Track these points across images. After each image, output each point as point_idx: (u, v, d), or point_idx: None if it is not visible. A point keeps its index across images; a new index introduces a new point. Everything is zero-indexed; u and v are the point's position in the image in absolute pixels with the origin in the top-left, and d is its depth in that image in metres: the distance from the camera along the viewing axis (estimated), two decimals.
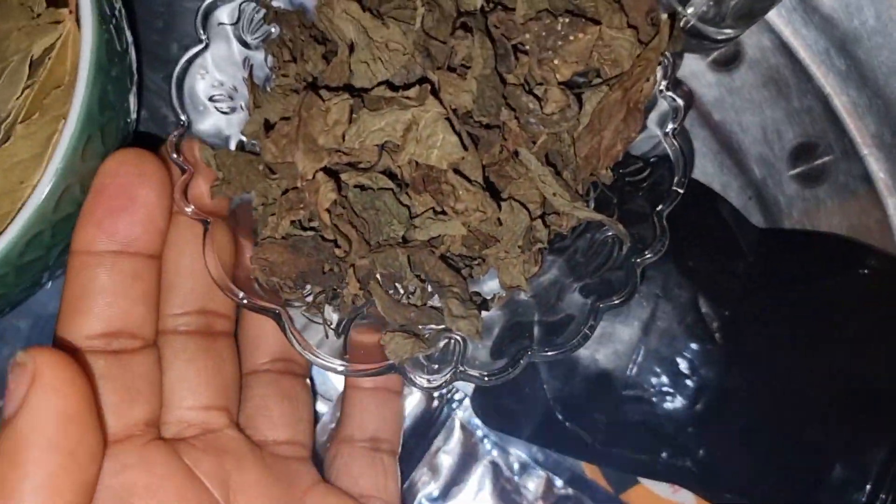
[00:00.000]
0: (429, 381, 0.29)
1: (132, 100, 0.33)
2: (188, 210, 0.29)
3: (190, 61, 0.31)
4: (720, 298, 0.38)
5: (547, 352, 0.29)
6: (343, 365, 0.29)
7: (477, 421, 0.39)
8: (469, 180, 0.28)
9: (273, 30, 0.33)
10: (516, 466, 0.40)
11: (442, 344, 0.30)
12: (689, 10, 0.39)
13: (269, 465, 0.31)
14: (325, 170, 0.28)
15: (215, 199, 0.30)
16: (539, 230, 0.31)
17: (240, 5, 0.31)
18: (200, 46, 0.31)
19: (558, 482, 0.40)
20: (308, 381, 0.35)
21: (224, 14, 0.31)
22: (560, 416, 0.38)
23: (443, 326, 0.30)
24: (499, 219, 0.29)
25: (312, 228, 0.30)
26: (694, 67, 0.42)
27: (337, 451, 0.35)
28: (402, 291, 0.30)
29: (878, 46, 0.42)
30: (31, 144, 0.29)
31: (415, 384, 0.29)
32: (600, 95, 0.29)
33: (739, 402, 0.38)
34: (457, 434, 0.40)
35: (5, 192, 0.29)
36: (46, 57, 0.30)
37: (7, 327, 0.38)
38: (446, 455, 0.40)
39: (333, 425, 0.38)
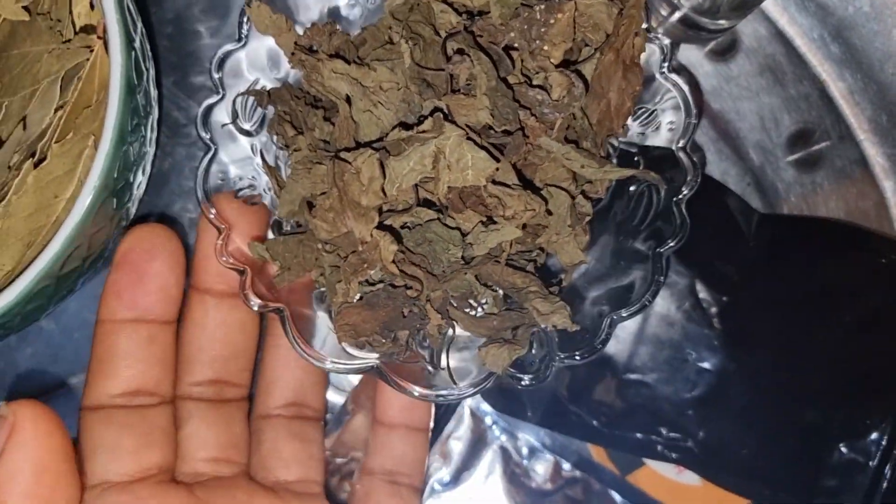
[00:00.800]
0: (532, 378, 0.30)
1: (155, 111, 0.34)
2: (226, 261, 0.31)
3: (206, 169, 0.31)
4: (718, 284, 0.39)
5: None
6: (369, 363, 0.30)
7: (486, 407, 0.40)
8: (509, 186, 0.29)
9: (268, 112, 0.33)
10: (525, 451, 0.41)
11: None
12: (686, 2, 0.40)
13: (281, 499, 0.33)
14: (382, 227, 0.29)
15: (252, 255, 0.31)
16: (582, 204, 0.32)
17: (233, 101, 0.32)
18: (210, 153, 0.31)
19: (566, 465, 0.40)
20: (322, 423, 0.37)
21: (222, 113, 0.32)
22: (565, 400, 0.39)
23: (527, 323, 0.30)
24: (548, 210, 0.30)
25: (380, 281, 0.30)
26: (691, 57, 0.43)
27: (360, 484, 0.36)
28: (475, 307, 0.31)
29: (873, 33, 0.42)
30: (64, 162, 0.31)
31: (522, 383, 0.30)
32: (596, 62, 0.30)
33: (739, 385, 0.39)
34: (466, 420, 0.41)
35: (41, 207, 0.30)
36: (76, 78, 0.32)
37: (31, 328, 0.40)
38: (457, 441, 0.41)
39: (348, 416, 0.39)
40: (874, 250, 0.40)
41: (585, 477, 0.40)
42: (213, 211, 0.31)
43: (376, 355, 0.30)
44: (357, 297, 0.30)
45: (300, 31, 0.32)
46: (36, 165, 0.30)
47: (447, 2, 0.30)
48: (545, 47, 0.30)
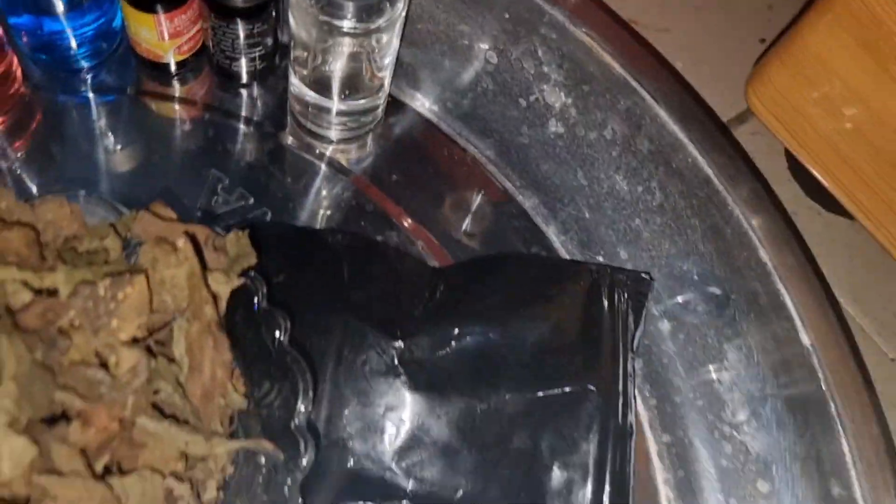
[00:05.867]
0: None
1: None
2: None
3: None
4: (394, 335, 0.38)
5: None
6: None
7: None
8: (61, 473, 0.27)
9: None
10: None
11: None
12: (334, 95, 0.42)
13: None
14: None
15: None
16: (176, 488, 0.29)
17: None
18: None
19: None
20: None
21: None
22: None
23: None
24: (116, 497, 0.27)
25: None
26: None
27: None
28: None
29: None
30: None
31: None
32: (183, 333, 0.29)
33: (437, 428, 0.38)
34: None
35: None
36: None
37: None
38: None
39: None
40: (539, 269, 0.43)
41: None
42: None
43: None
44: None
45: None
46: None
47: (16, 280, 0.29)
48: (114, 323, 0.28)
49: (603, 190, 0.46)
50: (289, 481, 0.31)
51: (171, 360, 0.30)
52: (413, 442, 0.37)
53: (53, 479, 0.26)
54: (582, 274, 0.42)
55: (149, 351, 0.29)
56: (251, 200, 0.42)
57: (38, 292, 0.29)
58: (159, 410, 0.30)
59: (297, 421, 0.31)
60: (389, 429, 0.37)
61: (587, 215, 0.46)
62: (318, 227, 0.43)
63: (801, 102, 0.49)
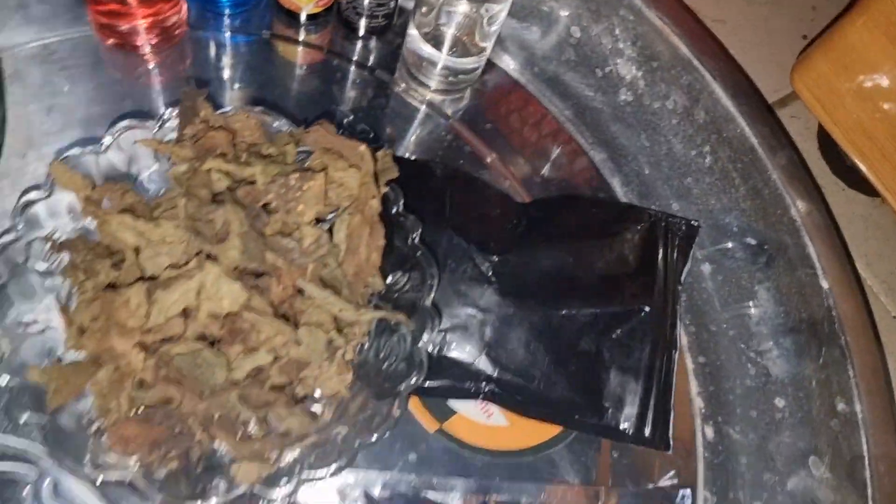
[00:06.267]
0: (281, 495, 0.35)
1: None
2: None
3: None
4: (489, 249, 0.47)
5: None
6: None
7: None
8: (261, 313, 0.35)
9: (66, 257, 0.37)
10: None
11: (284, 462, 0.36)
12: (443, 52, 0.50)
13: None
14: (140, 345, 0.34)
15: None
16: (337, 339, 0.37)
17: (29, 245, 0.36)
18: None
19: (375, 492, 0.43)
20: None
21: (19, 254, 0.36)
22: None
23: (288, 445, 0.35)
24: (296, 340, 0.35)
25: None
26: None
27: None
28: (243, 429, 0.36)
29: None
30: None
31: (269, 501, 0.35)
32: (346, 222, 0.38)
33: (518, 328, 0.46)
34: None
35: None
36: None
37: None
38: None
39: None
40: (607, 211, 0.51)
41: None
42: None
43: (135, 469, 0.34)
44: (131, 413, 0.34)
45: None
46: None
47: (222, 170, 0.37)
48: (300, 207, 0.37)
49: (662, 151, 0.55)
50: (416, 349, 0.39)
51: (334, 244, 0.39)
52: (499, 337, 0.46)
53: (257, 316, 0.35)
54: (642, 216, 0.50)
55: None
56: (371, 135, 0.51)
57: (237, 181, 0.38)
58: (322, 282, 0.38)
59: (426, 302, 0.39)
60: (481, 326, 0.46)
61: (647, 171, 0.54)
62: (425, 160, 0.51)
63: (839, 89, 0.57)
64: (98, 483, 0.34)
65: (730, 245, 0.52)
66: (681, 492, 0.46)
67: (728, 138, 0.54)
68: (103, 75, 0.49)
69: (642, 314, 0.47)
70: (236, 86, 0.51)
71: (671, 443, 0.45)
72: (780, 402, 0.48)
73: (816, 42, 0.61)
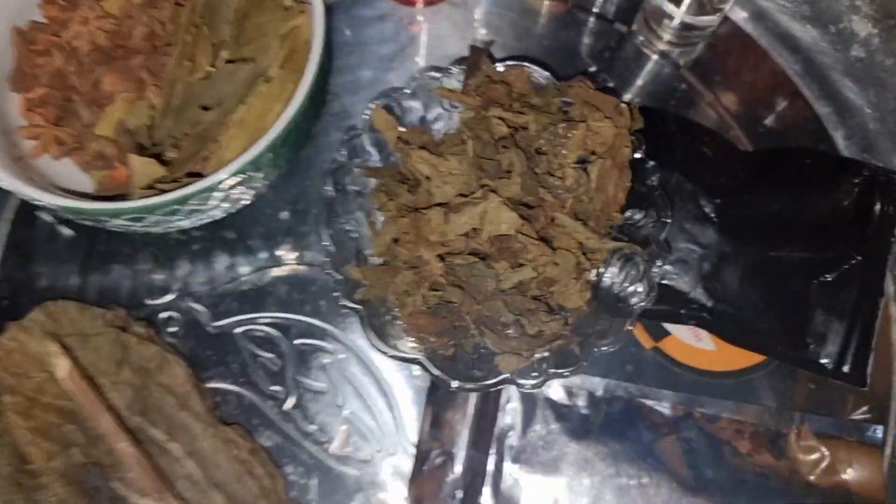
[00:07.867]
0: (531, 384, 0.44)
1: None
2: None
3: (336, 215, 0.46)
4: (713, 192, 0.52)
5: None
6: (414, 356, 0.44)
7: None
8: (530, 237, 0.43)
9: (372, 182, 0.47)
10: (563, 395, 0.51)
11: (536, 357, 0.44)
12: (682, 9, 0.55)
13: None
14: (438, 255, 0.43)
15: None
16: (584, 262, 0.45)
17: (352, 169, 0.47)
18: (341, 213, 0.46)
19: (598, 392, 0.50)
20: None
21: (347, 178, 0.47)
22: None
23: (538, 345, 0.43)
24: (554, 261, 0.43)
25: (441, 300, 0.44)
26: None
27: None
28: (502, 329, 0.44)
29: None
30: (279, 85, 0.46)
31: (521, 387, 0.44)
32: (598, 165, 0.45)
33: (734, 264, 0.52)
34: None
35: (262, 114, 0.46)
36: (290, 33, 0.47)
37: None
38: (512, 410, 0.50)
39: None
40: (827, 163, 0.54)
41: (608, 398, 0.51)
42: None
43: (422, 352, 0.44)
44: (425, 307, 0.44)
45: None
46: None
47: (501, 118, 0.45)
48: (564, 151, 0.44)
49: (889, 108, 0.57)
50: (648, 276, 0.46)
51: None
52: (716, 272, 0.52)
53: (527, 238, 0.43)
54: (862, 170, 0.53)
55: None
56: (611, 84, 0.57)
57: (513, 128, 0.45)
58: (574, 214, 0.46)
59: (661, 236, 0.46)
60: (700, 260, 0.52)
61: (871, 126, 0.57)
62: (658, 108, 0.57)
63: None
64: (393, 357, 0.44)
65: None
66: (873, 427, 0.51)
67: None
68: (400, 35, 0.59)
69: (853, 262, 0.51)
70: (497, 40, 0.59)
71: (868, 381, 0.50)
72: None
73: None
